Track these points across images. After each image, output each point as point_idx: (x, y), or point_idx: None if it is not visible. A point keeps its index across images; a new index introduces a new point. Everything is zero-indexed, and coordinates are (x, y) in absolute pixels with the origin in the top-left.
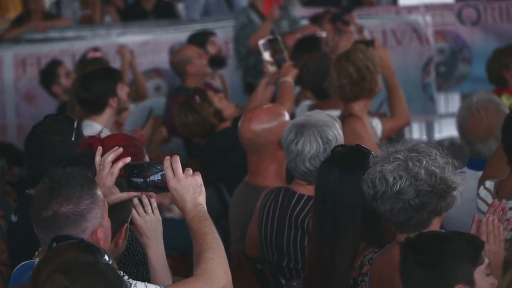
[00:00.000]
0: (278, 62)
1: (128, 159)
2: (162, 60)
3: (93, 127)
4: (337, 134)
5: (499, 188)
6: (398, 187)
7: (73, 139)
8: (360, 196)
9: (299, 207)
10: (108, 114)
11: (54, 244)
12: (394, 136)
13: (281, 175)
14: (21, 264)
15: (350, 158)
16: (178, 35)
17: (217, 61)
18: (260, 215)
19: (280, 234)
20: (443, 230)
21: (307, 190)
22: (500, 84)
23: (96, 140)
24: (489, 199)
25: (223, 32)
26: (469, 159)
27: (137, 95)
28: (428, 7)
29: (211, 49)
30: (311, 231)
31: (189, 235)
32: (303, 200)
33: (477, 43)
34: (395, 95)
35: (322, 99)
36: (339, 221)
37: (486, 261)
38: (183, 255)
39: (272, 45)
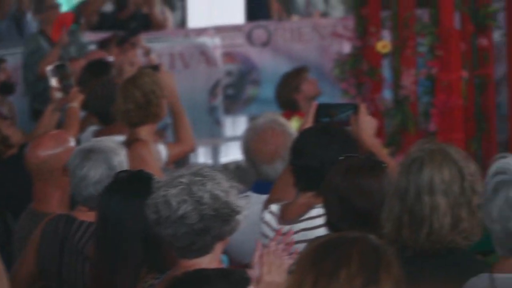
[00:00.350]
0: (65, 88)
1: None
2: None
3: None
4: (122, 161)
5: (284, 211)
6: (181, 211)
7: None
8: (141, 222)
9: (79, 234)
10: None
11: None
12: (180, 161)
13: (65, 201)
14: None
15: (132, 184)
16: None
17: (6, 88)
18: (40, 242)
19: (60, 261)
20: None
21: (88, 216)
22: (290, 108)
23: None
24: (274, 223)
25: (13, 59)
26: (254, 182)
27: None
28: (218, 29)
29: (1, 76)
30: (92, 257)
31: None
32: (84, 226)
33: (266, 64)
34: (180, 120)
35: (108, 124)
36: (119, 247)
37: None
38: None
39: (60, 71)
